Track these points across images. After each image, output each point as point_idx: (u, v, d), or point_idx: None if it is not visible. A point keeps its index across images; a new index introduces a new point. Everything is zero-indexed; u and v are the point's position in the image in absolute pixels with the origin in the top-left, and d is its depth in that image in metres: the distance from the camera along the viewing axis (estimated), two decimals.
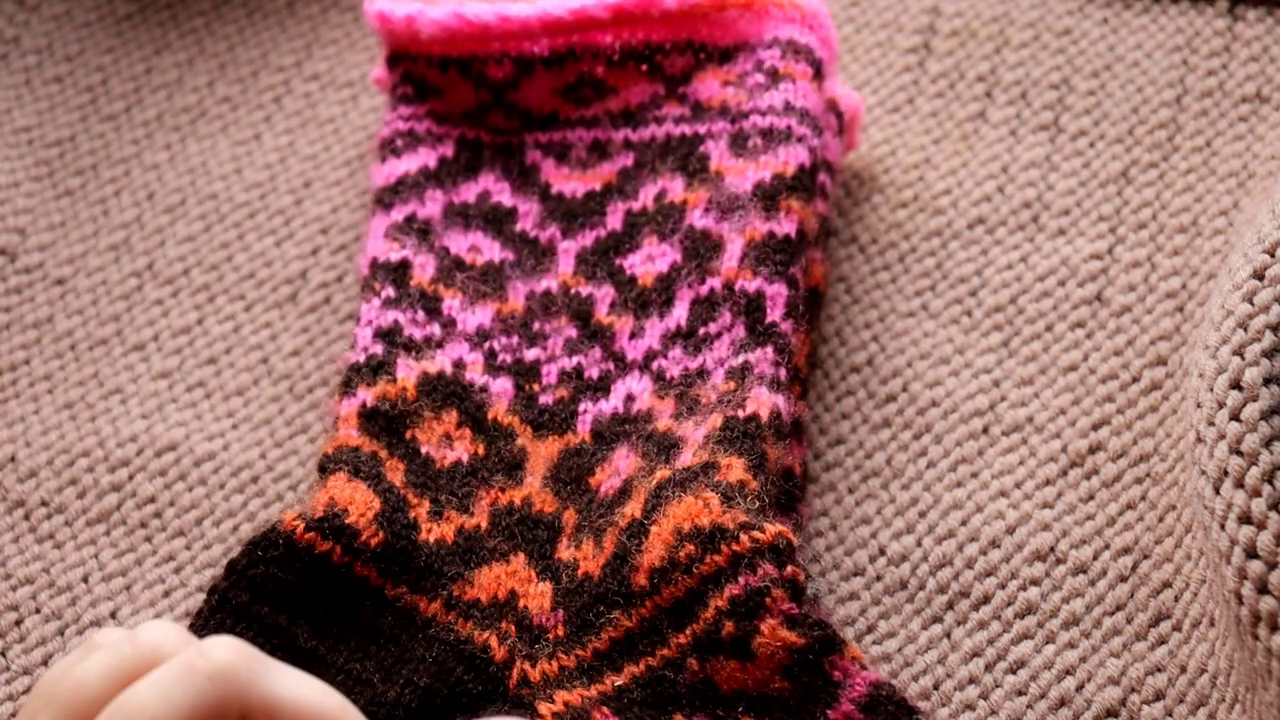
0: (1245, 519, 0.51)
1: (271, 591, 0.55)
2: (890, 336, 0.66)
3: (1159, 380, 0.64)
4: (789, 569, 0.53)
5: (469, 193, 0.66)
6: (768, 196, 0.61)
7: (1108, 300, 0.66)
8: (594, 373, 0.61)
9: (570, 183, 0.65)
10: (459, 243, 0.64)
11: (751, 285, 0.60)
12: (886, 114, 0.73)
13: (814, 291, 0.64)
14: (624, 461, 0.58)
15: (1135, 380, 0.64)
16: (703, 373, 0.59)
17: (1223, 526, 0.52)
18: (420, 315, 0.62)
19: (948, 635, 0.58)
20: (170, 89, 0.76)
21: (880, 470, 0.63)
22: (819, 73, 0.65)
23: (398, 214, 0.64)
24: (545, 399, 0.60)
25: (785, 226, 0.61)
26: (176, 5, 0.79)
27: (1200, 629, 0.57)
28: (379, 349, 0.60)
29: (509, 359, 0.61)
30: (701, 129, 0.65)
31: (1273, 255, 0.56)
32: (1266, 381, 0.53)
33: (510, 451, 0.59)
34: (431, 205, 0.65)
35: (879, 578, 0.60)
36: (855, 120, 0.69)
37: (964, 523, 0.61)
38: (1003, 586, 0.59)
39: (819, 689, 0.52)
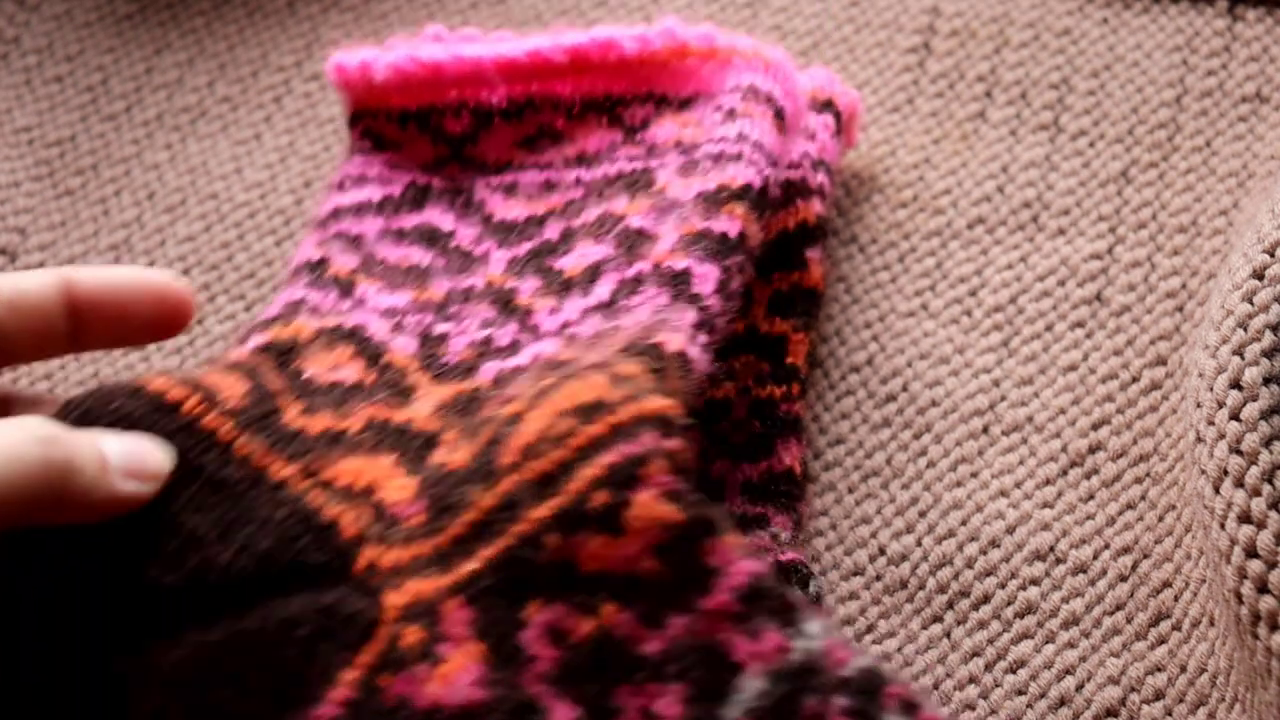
0: (1245, 518, 0.51)
1: (109, 427, 0.50)
2: (890, 336, 0.66)
3: (1159, 380, 0.64)
4: (674, 441, 0.47)
5: (409, 221, 0.64)
6: (709, 201, 0.58)
7: (1108, 300, 0.66)
8: (504, 340, 0.56)
9: (513, 210, 0.63)
10: (389, 253, 0.62)
11: (680, 264, 0.56)
12: (886, 114, 0.73)
13: (813, 291, 0.64)
14: (516, 389, 0.53)
15: (1135, 380, 0.64)
16: (617, 330, 0.54)
17: (1223, 526, 0.52)
18: (332, 295, 0.59)
19: (948, 635, 0.58)
20: (170, 89, 0.76)
21: (880, 470, 0.63)
22: (780, 117, 0.62)
23: (330, 230, 0.63)
24: (448, 359, 0.56)
25: (725, 225, 0.57)
26: (176, 5, 0.79)
27: (1200, 629, 0.57)
28: (276, 310, 0.58)
29: (417, 329, 0.58)
30: (654, 163, 0.62)
31: (1273, 255, 0.56)
32: (1266, 381, 0.53)
33: (401, 384, 0.55)
34: (368, 227, 0.63)
35: (879, 578, 0.60)
36: (853, 118, 0.69)
37: (964, 522, 0.61)
38: (1003, 586, 0.59)
39: (693, 574, 0.46)
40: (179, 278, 0.53)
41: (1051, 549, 0.60)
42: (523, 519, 0.47)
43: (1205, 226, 0.68)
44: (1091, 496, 0.61)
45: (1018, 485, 0.62)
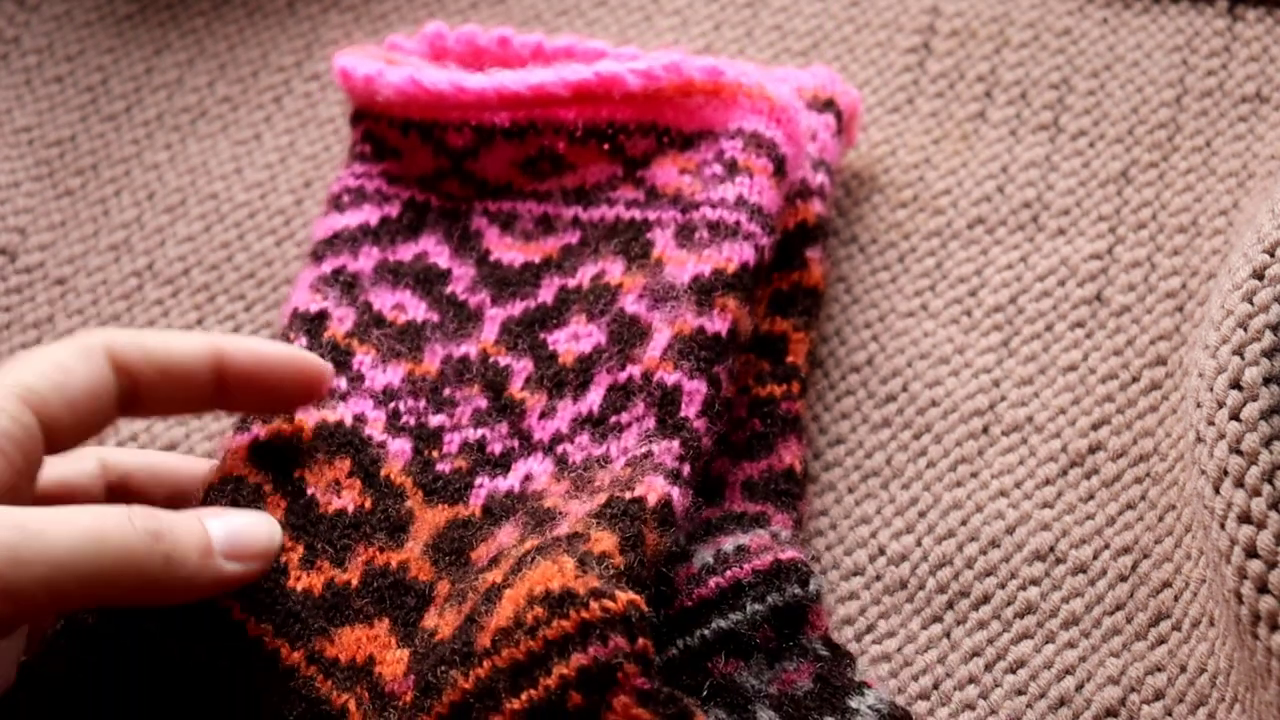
0: (1245, 518, 0.51)
1: (127, 618, 0.52)
2: (890, 336, 0.66)
3: (1159, 380, 0.64)
4: (640, 641, 0.50)
5: (406, 252, 0.64)
6: (703, 291, 0.59)
7: (1108, 300, 0.66)
8: (497, 448, 0.59)
9: (511, 252, 0.64)
10: (384, 299, 0.63)
11: (670, 378, 0.58)
12: (886, 114, 0.73)
13: (814, 291, 0.64)
14: (506, 537, 0.56)
15: (1135, 380, 0.64)
16: (605, 460, 0.57)
17: (1223, 526, 0.52)
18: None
19: (948, 635, 0.58)
20: (170, 89, 0.76)
21: (880, 470, 0.63)
22: (780, 169, 0.63)
23: (327, 266, 0.63)
24: (443, 466, 0.59)
25: (717, 324, 0.59)
26: (176, 5, 0.79)
27: (1200, 629, 0.57)
28: None
29: (412, 421, 0.60)
30: (651, 215, 0.63)
31: (1273, 255, 0.56)
32: (1266, 381, 0.53)
33: (397, 512, 0.57)
34: (364, 261, 0.64)
35: (879, 578, 0.60)
36: (854, 117, 0.69)
37: (964, 523, 0.61)
38: (1003, 586, 0.59)
39: None
40: (317, 357, 0.56)
41: (1051, 549, 0.60)
42: (500, 709, 0.50)
43: (1205, 226, 0.68)
44: (1091, 496, 0.61)
45: (1018, 485, 0.62)
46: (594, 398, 0.59)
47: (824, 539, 0.61)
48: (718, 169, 0.62)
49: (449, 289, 0.63)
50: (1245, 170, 0.69)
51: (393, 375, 0.61)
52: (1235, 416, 0.53)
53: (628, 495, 0.54)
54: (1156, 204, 0.69)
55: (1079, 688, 0.57)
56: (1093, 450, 0.62)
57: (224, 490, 0.56)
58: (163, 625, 0.52)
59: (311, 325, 0.61)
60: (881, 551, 0.61)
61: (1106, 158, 0.70)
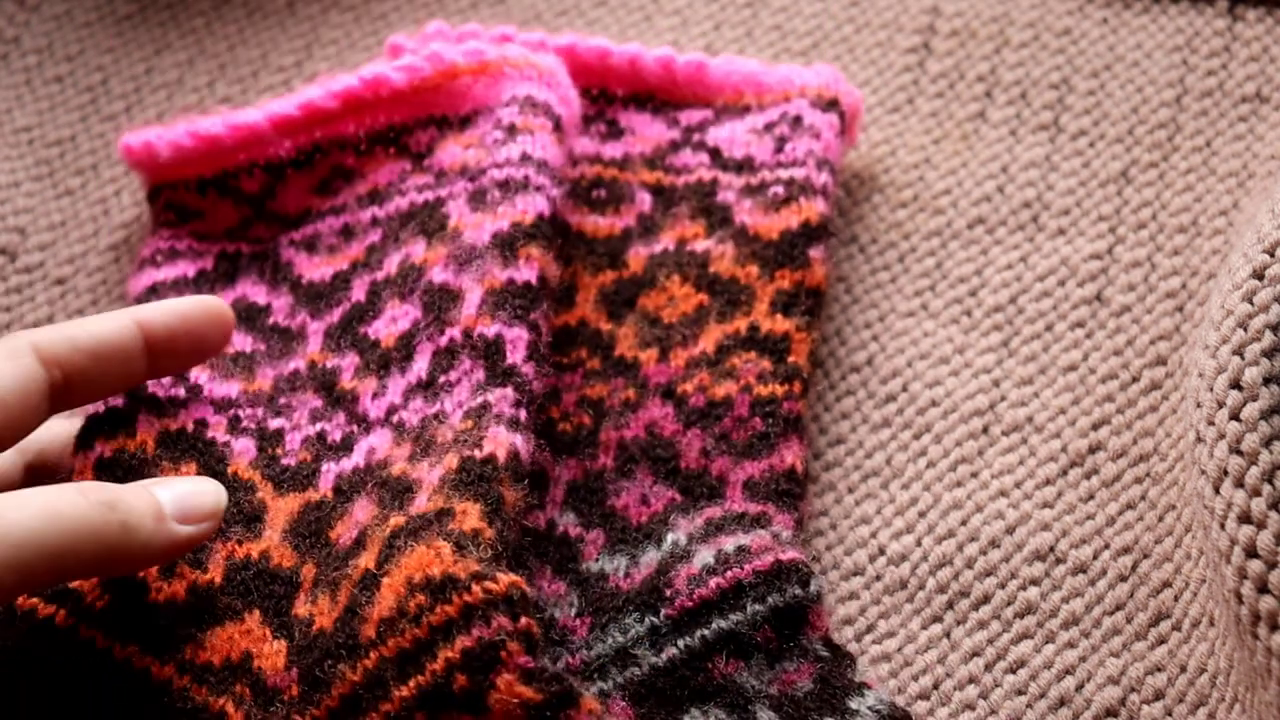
0: (1245, 518, 0.51)
1: None
2: (890, 336, 0.66)
3: (1159, 380, 0.64)
4: (523, 620, 0.51)
5: (226, 299, 0.65)
6: (505, 245, 0.60)
7: (1108, 300, 0.66)
8: (337, 436, 0.60)
9: (319, 269, 0.65)
10: None
11: (491, 330, 0.59)
12: (886, 114, 0.73)
13: (816, 291, 0.64)
14: (362, 512, 0.56)
15: (1135, 380, 0.64)
16: (440, 415, 0.58)
17: (1223, 526, 0.52)
18: (166, 380, 0.60)
19: (948, 635, 0.58)
20: (170, 89, 0.76)
21: (880, 470, 0.63)
22: (558, 126, 0.64)
23: None
24: (287, 461, 0.59)
25: (525, 273, 0.60)
26: (176, 5, 0.79)
27: (1200, 629, 0.57)
28: (119, 402, 0.59)
29: (253, 426, 0.60)
30: (443, 192, 0.64)
31: (1273, 255, 0.56)
32: (1266, 381, 0.53)
33: (250, 504, 0.57)
34: None
35: (879, 578, 0.60)
36: (855, 117, 0.69)
37: (964, 523, 0.61)
38: (1003, 586, 0.59)
39: None
40: (213, 297, 0.58)
41: (1051, 549, 0.60)
42: (390, 698, 0.51)
43: (1205, 226, 0.68)
44: (1091, 496, 0.61)
45: (1018, 485, 0.62)
46: (420, 365, 0.59)
47: (824, 539, 0.61)
48: (498, 134, 0.64)
49: (270, 320, 0.64)
50: (1245, 170, 0.69)
51: (229, 389, 0.61)
52: (1235, 416, 0.53)
53: (478, 454, 0.55)
54: (1156, 204, 0.69)
55: (1079, 688, 0.57)
56: (1093, 450, 0.62)
57: None
58: (33, 668, 0.52)
59: None
60: (881, 551, 0.61)
61: (1106, 158, 0.71)
